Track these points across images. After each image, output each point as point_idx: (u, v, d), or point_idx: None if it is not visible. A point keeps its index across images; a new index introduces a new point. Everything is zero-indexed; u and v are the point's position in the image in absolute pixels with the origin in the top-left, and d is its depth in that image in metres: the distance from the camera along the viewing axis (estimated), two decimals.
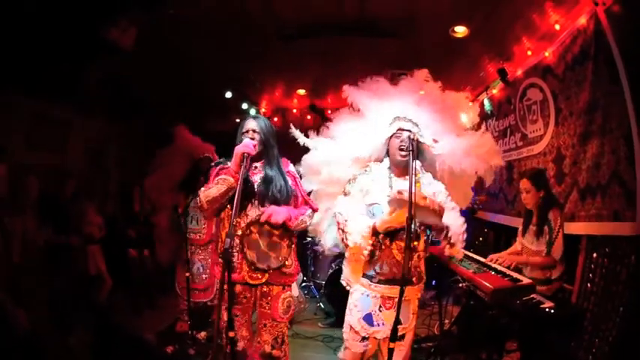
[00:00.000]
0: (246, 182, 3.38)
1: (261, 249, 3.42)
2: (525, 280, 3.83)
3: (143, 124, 9.43)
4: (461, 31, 5.97)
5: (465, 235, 3.39)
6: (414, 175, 2.93)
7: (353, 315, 3.52)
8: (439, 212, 3.03)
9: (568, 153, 5.18)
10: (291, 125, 3.98)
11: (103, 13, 5.10)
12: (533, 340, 3.93)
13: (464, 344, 5.01)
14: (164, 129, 6.18)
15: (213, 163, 3.78)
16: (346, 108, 3.81)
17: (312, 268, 8.22)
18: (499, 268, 4.21)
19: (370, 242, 3.27)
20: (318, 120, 8.68)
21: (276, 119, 9.97)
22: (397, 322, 2.85)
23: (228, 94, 8.76)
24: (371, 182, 3.49)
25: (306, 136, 3.95)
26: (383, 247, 3.36)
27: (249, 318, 3.65)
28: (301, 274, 7.81)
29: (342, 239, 3.38)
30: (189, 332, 5.33)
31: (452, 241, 3.28)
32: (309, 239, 8.15)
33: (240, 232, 3.40)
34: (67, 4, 4.81)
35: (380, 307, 3.43)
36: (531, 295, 3.85)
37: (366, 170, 3.59)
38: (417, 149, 3.26)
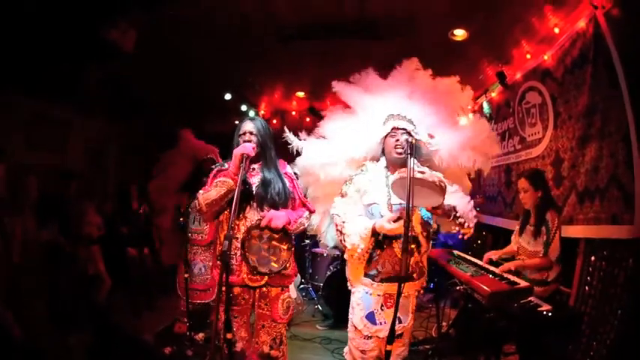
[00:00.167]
0: (245, 184, 3.37)
1: (262, 253, 3.44)
2: (522, 283, 3.84)
3: (143, 124, 9.43)
4: (460, 34, 5.98)
5: (475, 212, 3.45)
6: (411, 176, 2.92)
7: (356, 314, 3.54)
8: (439, 186, 3.02)
9: (567, 156, 5.18)
10: (285, 128, 3.98)
11: (103, 14, 5.10)
12: (531, 343, 3.93)
13: (461, 347, 5.01)
14: (167, 131, 6.21)
15: (213, 166, 3.78)
16: (337, 106, 3.85)
17: (310, 271, 8.23)
18: (496, 271, 4.21)
19: (368, 244, 3.29)
20: (317, 122, 8.71)
21: (275, 121, 9.97)
22: (394, 323, 2.87)
23: (228, 96, 8.77)
24: (368, 182, 3.49)
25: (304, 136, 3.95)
26: (384, 246, 3.37)
27: (247, 319, 3.65)
28: (299, 276, 7.80)
29: (341, 240, 3.39)
30: (188, 333, 5.33)
31: (462, 220, 3.33)
32: (307, 241, 8.16)
33: (238, 236, 3.40)
34: (67, 5, 4.81)
35: (382, 305, 3.45)
36: (529, 298, 3.85)
37: (362, 170, 3.59)
38: (414, 150, 3.25)
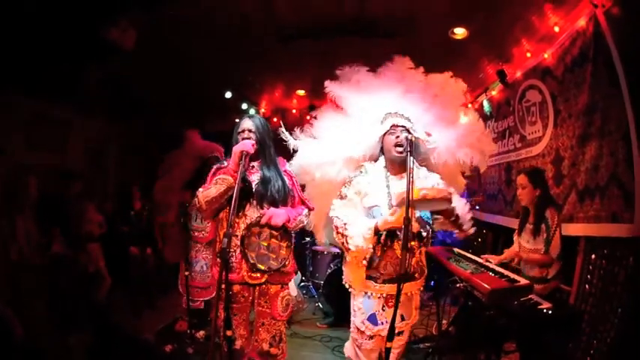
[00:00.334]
0: (244, 182, 3.37)
1: (261, 250, 3.44)
2: (522, 281, 3.83)
3: (143, 124, 9.43)
4: (460, 32, 5.98)
5: (471, 214, 3.45)
6: (411, 176, 2.92)
7: (357, 317, 3.55)
8: (449, 198, 3.07)
9: (567, 155, 5.19)
10: (282, 127, 3.96)
11: (103, 13, 5.10)
12: (531, 341, 3.94)
13: (462, 345, 5.02)
14: (169, 131, 6.23)
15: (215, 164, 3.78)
16: (329, 105, 3.85)
17: (311, 268, 8.21)
18: (496, 268, 4.21)
19: (371, 245, 3.27)
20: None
21: (275, 120, 9.97)
22: (394, 321, 2.87)
23: (228, 94, 8.77)
24: (367, 184, 3.47)
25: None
26: (385, 248, 3.37)
27: (247, 317, 3.65)
28: (300, 274, 7.82)
29: (342, 243, 3.36)
30: (188, 331, 5.35)
31: (460, 222, 3.36)
32: (307, 239, 8.16)
33: (238, 233, 3.40)
34: (66, 4, 4.82)
35: (383, 306, 3.45)
36: (529, 296, 3.86)
37: (360, 171, 3.56)
38: (413, 147, 3.26)
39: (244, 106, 9.48)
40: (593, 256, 4.68)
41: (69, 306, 5.35)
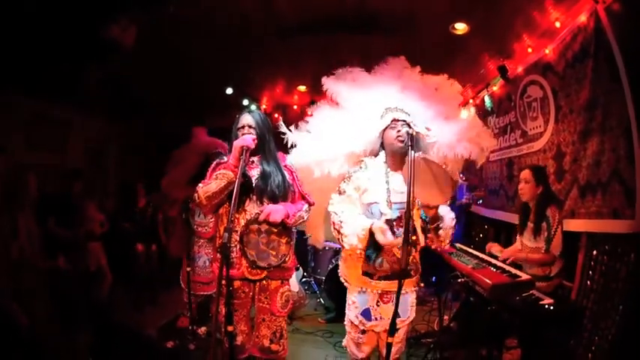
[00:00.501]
0: (244, 177, 3.36)
1: (261, 247, 3.42)
2: (524, 276, 3.83)
3: (143, 123, 9.45)
4: (461, 28, 5.97)
5: (453, 232, 3.44)
6: (413, 171, 2.92)
7: (351, 311, 3.57)
8: (452, 179, 3.17)
9: (568, 150, 5.19)
10: (281, 121, 3.95)
11: (103, 12, 5.10)
12: (532, 337, 3.94)
13: (463, 340, 5.02)
14: (175, 131, 6.23)
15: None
16: (324, 101, 3.84)
17: (313, 264, 8.21)
18: (498, 264, 4.21)
19: (364, 245, 3.28)
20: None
21: (276, 116, 9.97)
22: (395, 316, 2.89)
23: (229, 91, 8.77)
24: (367, 180, 3.46)
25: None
26: (382, 246, 3.36)
27: (247, 312, 3.65)
28: (301, 270, 7.82)
29: (339, 239, 3.37)
30: (190, 327, 5.36)
31: (440, 232, 3.33)
32: (309, 235, 8.16)
33: (238, 228, 3.40)
34: (66, 4, 4.82)
35: (378, 301, 3.47)
36: (530, 292, 3.86)
37: (360, 167, 3.56)
38: (414, 141, 3.26)
39: (245, 102, 9.48)
40: (594, 252, 4.68)
41: (71, 302, 5.36)
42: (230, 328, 3.17)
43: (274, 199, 3.51)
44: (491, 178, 7.92)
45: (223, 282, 3.08)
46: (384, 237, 3.14)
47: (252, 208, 3.48)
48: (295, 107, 10.20)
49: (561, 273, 4.48)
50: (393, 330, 2.91)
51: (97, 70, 6.89)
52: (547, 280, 4.38)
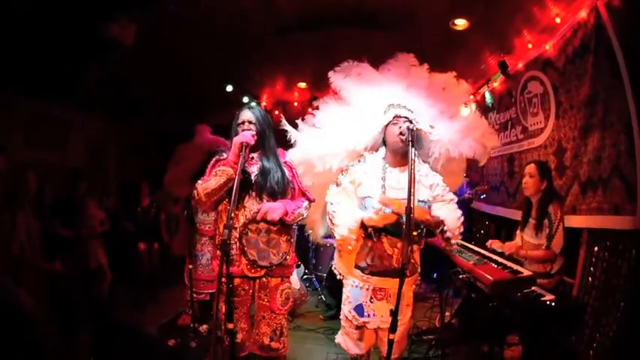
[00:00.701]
0: (244, 173, 3.36)
1: (261, 246, 3.42)
2: (526, 272, 3.82)
3: (143, 123, 9.45)
4: (461, 23, 5.97)
5: (462, 229, 3.40)
6: (413, 167, 2.93)
7: (346, 305, 3.60)
8: (425, 221, 3.22)
9: (569, 146, 5.19)
10: (283, 118, 3.96)
11: (102, 11, 5.10)
12: (534, 334, 3.94)
13: (465, 337, 5.02)
14: (175, 130, 6.25)
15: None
16: (330, 97, 3.82)
17: (314, 261, 8.22)
18: (499, 260, 4.21)
19: (355, 236, 3.31)
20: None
21: (277, 112, 9.96)
22: (396, 313, 2.88)
23: (229, 88, 8.76)
24: (363, 174, 3.48)
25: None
26: (374, 239, 3.38)
27: (247, 310, 3.65)
28: (302, 267, 7.82)
29: (332, 230, 3.41)
30: (192, 325, 5.37)
31: (447, 235, 3.31)
32: (310, 232, 8.16)
33: (237, 225, 3.40)
34: (66, 3, 4.81)
35: (371, 298, 3.47)
36: (532, 288, 3.86)
37: (359, 160, 3.58)
38: (415, 137, 3.25)
39: (245, 99, 9.46)
40: (595, 248, 4.68)
41: (71, 300, 5.36)
42: (230, 326, 3.17)
43: (274, 196, 3.51)
44: (492, 175, 7.91)
45: (223, 279, 3.07)
46: (377, 215, 3.22)
47: (251, 204, 3.48)
48: (296, 104, 10.18)
49: (562, 270, 4.46)
50: (394, 326, 2.90)
51: (97, 70, 6.89)
52: (548, 277, 4.37)
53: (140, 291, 7.09)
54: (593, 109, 4.70)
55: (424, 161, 3.62)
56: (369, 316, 3.47)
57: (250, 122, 3.57)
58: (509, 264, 4.05)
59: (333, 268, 3.83)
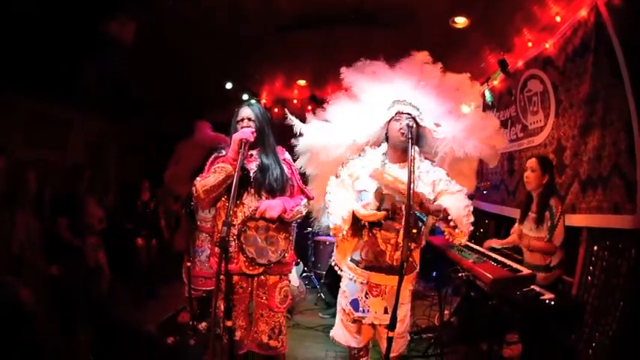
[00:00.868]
0: (243, 170, 3.37)
1: (259, 244, 3.43)
2: (525, 271, 3.83)
3: (143, 123, 9.46)
4: (461, 21, 5.96)
5: (471, 220, 3.32)
6: (412, 164, 2.93)
7: (342, 299, 3.64)
8: (402, 193, 3.09)
9: (568, 144, 5.18)
10: (287, 112, 3.95)
11: (102, 9, 5.09)
12: (533, 332, 3.94)
13: (464, 335, 5.03)
14: (174, 130, 6.26)
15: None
16: (343, 92, 3.79)
17: (313, 259, 8.26)
18: (499, 258, 4.21)
19: (347, 226, 3.34)
20: (319, 110, 8.71)
21: (276, 110, 9.98)
22: (395, 310, 2.86)
23: (229, 86, 8.77)
24: (361, 168, 3.49)
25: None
26: (370, 234, 3.40)
27: (245, 307, 3.66)
28: (301, 264, 7.83)
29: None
30: (190, 323, 5.37)
31: (453, 224, 3.24)
32: (309, 229, 8.17)
33: (235, 222, 3.40)
34: (65, 1, 4.81)
35: (367, 293, 3.48)
36: (531, 286, 3.86)
37: (359, 154, 3.60)
38: (415, 135, 3.26)
39: (245, 97, 9.47)
40: (595, 247, 4.67)
41: (70, 298, 5.36)
42: (229, 324, 3.17)
43: (272, 193, 3.52)
44: (491, 173, 7.89)
45: (222, 277, 3.07)
46: (365, 210, 3.25)
47: (250, 201, 3.48)
48: (295, 101, 10.20)
49: (562, 264, 4.47)
50: (393, 324, 2.89)
51: (97, 69, 6.89)
52: (547, 270, 4.39)
53: (139, 288, 7.09)
54: (593, 107, 4.69)
55: (427, 159, 3.60)
56: (363, 311, 3.48)
57: (249, 119, 3.57)
58: (508, 262, 4.05)
59: (332, 261, 3.84)
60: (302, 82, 9.38)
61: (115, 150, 9.46)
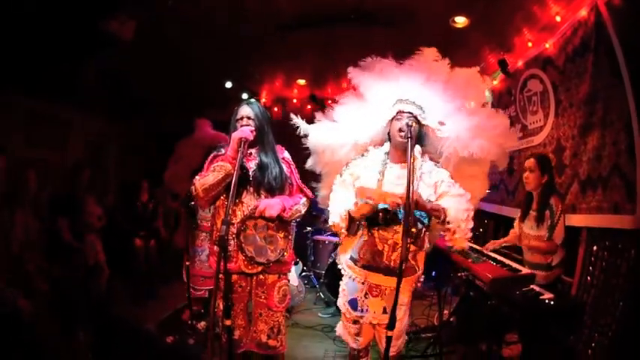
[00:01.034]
0: (242, 169, 3.36)
1: (258, 243, 3.43)
2: (525, 270, 3.84)
3: (143, 123, 9.46)
4: (461, 21, 5.96)
5: (471, 224, 3.26)
6: (411, 163, 2.93)
7: (342, 297, 3.65)
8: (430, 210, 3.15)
9: (568, 144, 5.18)
10: (291, 114, 3.94)
11: (102, 7, 5.09)
12: (533, 332, 3.94)
13: (463, 335, 5.03)
14: (174, 129, 6.27)
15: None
16: (350, 91, 3.77)
17: (312, 258, 8.26)
18: (498, 257, 4.21)
19: (344, 224, 3.37)
20: (318, 110, 8.70)
21: (276, 109, 9.99)
22: (394, 310, 2.86)
23: (228, 84, 8.77)
24: (363, 168, 3.49)
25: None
26: (368, 233, 3.41)
27: (244, 307, 3.66)
28: (301, 264, 7.83)
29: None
30: (190, 322, 5.37)
31: (450, 226, 3.20)
32: (308, 229, 8.17)
33: (234, 221, 3.40)
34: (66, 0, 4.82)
35: (366, 293, 3.47)
36: (530, 286, 3.85)
37: (363, 154, 3.60)
38: (416, 134, 3.26)
39: (245, 96, 9.46)
40: (594, 247, 4.66)
41: (69, 296, 5.36)
42: (228, 323, 3.17)
43: (271, 192, 3.52)
44: (490, 173, 7.84)
45: (221, 276, 3.07)
46: (355, 207, 3.29)
47: (249, 200, 3.49)
48: (295, 101, 10.19)
49: (562, 263, 4.47)
50: (392, 323, 2.89)
51: (97, 67, 6.89)
52: (548, 269, 4.38)
53: (138, 288, 7.08)
54: (592, 107, 4.69)
55: (432, 159, 3.55)
56: (362, 310, 3.48)
57: (249, 118, 3.57)
58: (507, 262, 4.05)
59: (335, 257, 3.84)
60: (302, 82, 9.38)
61: (114, 150, 9.48)
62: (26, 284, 4.79)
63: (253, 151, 3.62)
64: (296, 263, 7.15)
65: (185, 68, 7.56)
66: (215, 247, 3.37)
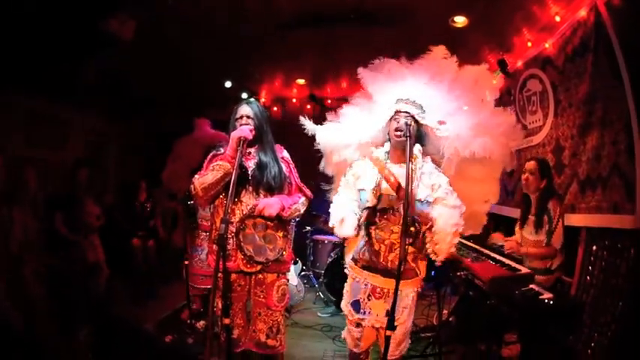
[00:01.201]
0: (241, 168, 3.36)
1: (258, 242, 3.42)
2: (524, 270, 3.83)
3: (143, 123, 9.46)
4: (461, 21, 5.96)
5: (457, 240, 3.18)
6: (410, 162, 2.94)
7: (344, 299, 3.62)
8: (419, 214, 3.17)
9: (567, 144, 5.18)
10: (300, 117, 3.91)
11: (102, 7, 5.09)
12: (532, 332, 3.94)
13: (462, 335, 5.02)
14: (174, 129, 6.27)
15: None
16: (360, 92, 3.75)
17: (312, 258, 8.25)
18: (497, 257, 4.21)
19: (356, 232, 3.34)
20: (318, 109, 8.65)
21: (275, 109, 9.99)
22: (393, 310, 2.88)
23: (228, 84, 8.77)
24: (364, 168, 3.49)
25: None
26: (366, 236, 3.41)
27: (243, 306, 3.65)
28: (300, 263, 7.83)
29: None
30: (189, 321, 5.37)
31: (434, 238, 3.15)
32: (308, 228, 8.17)
33: (233, 220, 3.40)
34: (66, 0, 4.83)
35: (369, 295, 3.43)
36: (530, 286, 3.85)
37: (365, 155, 3.58)
38: (414, 133, 3.26)
39: (244, 95, 9.46)
40: (594, 247, 4.67)
41: (69, 295, 5.36)
42: (226, 321, 3.17)
43: (270, 191, 3.52)
44: None
45: (220, 274, 3.07)
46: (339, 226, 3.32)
47: (248, 199, 3.48)
48: (294, 100, 10.19)
49: (562, 267, 4.47)
50: (391, 324, 2.90)
51: (97, 67, 6.89)
52: (547, 273, 4.38)
53: (137, 287, 7.09)
54: (592, 107, 4.70)
55: (434, 161, 3.48)
56: (364, 313, 3.44)
57: (248, 117, 3.57)
58: (507, 261, 4.05)
59: (333, 256, 3.83)
60: (301, 81, 9.37)
61: (114, 150, 9.49)
62: (22, 289, 4.78)
63: (252, 150, 3.62)
64: (295, 263, 7.17)
65: (185, 68, 7.56)
66: (214, 246, 3.37)
